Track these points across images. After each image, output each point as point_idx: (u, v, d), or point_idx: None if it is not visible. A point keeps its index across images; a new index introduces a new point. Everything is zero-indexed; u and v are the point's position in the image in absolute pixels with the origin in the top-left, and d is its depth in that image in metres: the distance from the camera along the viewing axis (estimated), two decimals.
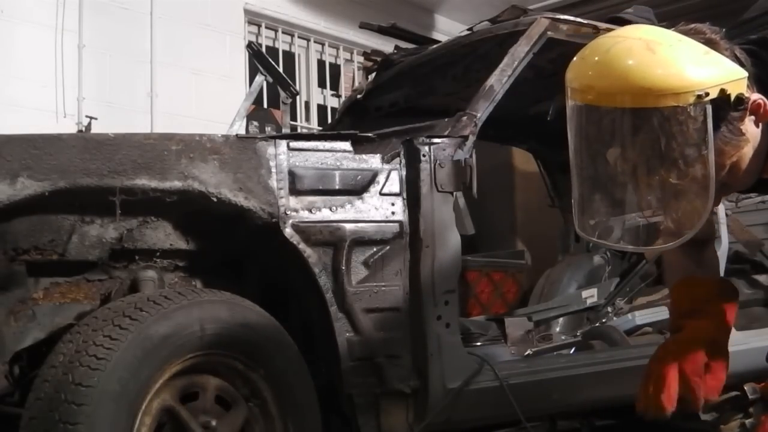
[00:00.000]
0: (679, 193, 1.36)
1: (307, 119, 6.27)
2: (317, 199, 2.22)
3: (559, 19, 2.79)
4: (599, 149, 1.39)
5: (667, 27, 1.64)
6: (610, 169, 1.38)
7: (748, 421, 1.84)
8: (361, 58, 4.89)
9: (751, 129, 1.44)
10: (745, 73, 1.40)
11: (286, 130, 3.73)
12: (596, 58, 1.39)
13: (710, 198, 1.35)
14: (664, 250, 1.49)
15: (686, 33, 1.44)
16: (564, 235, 4.05)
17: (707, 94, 1.32)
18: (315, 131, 5.51)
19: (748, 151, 1.44)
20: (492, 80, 2.60)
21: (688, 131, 1.32)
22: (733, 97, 1.36)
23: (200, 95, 5.30)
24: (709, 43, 1.42)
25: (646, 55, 1.34)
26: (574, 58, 1.46)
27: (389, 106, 3.59)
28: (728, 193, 1.58)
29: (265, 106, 5.57)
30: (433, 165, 2.35)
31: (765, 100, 1.44)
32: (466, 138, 2.42)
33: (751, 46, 1.47)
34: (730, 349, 1.75)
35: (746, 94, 1.40)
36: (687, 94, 1.31)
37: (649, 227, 1.41)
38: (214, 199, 2.07)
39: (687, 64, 1.35)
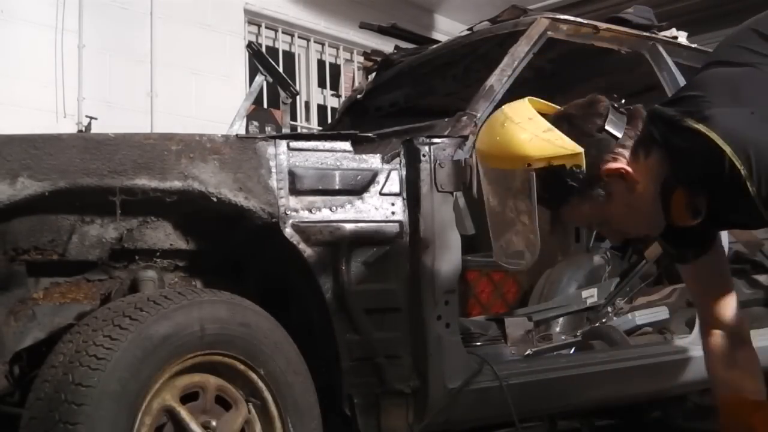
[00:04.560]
0: (522, 232, 1.77)
1: (307, 119, 6.28)
2: (317, 199, 2.22)
3: (559, 19, 2.79)
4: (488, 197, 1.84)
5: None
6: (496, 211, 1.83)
7: None
8: (361, 58, 4.88)
9: (619, 190, 1.74)
10: (579, 150, 1.69)
11: (286, 130, 3.73)
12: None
13: (536, 238, 1.74)
14: (522, 269, 1.95)
15: (582, 105, 1.79)
16: (564, 235, 4.05)
17: (529, 165, 1.69)
18: (315, 131, 5.51)
19: (618, 210, 1.76)
20: (492, 80, 2.60)
21: (520, 188, 1.72)
22: (568, 167, 1.69)
23: (200, 95, 5.30)
24: (588, 116, 1.76)
25: (498, 130, 1.76)
26: None
27: (389, 106, 3.59)
28: (638, 238, 1.93)
29: (265, 106, 5.57)
30: (433, 165, 2.35)
31: (628, 168, 1.72)
32: (466, 138, 2.42)
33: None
34: None
35: (584, 168, 1.70)
36: (519, 161, 1.70)
37: (517, 252, 1.84)
38: (214, 199, 2.07)
39: (522, 140, 1.71)
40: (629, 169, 1.73)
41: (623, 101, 1.82)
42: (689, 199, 1.75)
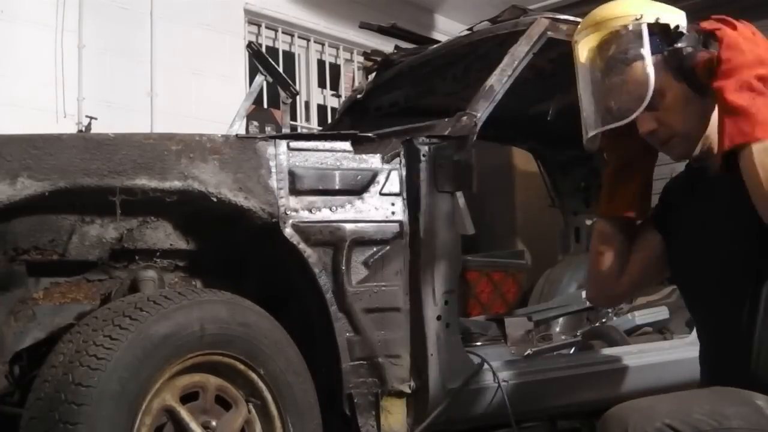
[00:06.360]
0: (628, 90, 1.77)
1: (307, 119, 6.27)
2: (317, 199, 2.22)
3: (559, 19, 2.78)
4: (590, 71, 1.88)
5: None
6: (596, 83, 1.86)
7: None
8: (361, 58, 4.89)
9: (684, 87, 1.76)
10: (682, 14, 1.80)
11: (286, 130, 3.73)
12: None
13: (649, 84, 1.73)
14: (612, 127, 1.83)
15: None
16: (564, 235, 4.05)
17: (642, 17, 1.77)
18: (315, 131, 5.50)
19: (681, 92, 1.76)
20: (492, 80, 2.59)
21: (630, 44, 1.78)
22: (672, 26, 1.76)
23: (200, 95, 5.30)
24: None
25: (604, 6, 1.87)
26: None
27: (389, 106, 3.59)
28: (666, 142, 1.83)
29: (265, 106, 5.57)
30: (433, 165, 2.35)
31: (712, 62, 1.72)
32: (466, 138, 2.42)
33: None
34: None
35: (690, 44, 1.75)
36: (628, 17, 1.79)
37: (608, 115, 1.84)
38: (214, 199, 2.07)
39: (634, 3, 1.82)
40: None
41: None
42: None
